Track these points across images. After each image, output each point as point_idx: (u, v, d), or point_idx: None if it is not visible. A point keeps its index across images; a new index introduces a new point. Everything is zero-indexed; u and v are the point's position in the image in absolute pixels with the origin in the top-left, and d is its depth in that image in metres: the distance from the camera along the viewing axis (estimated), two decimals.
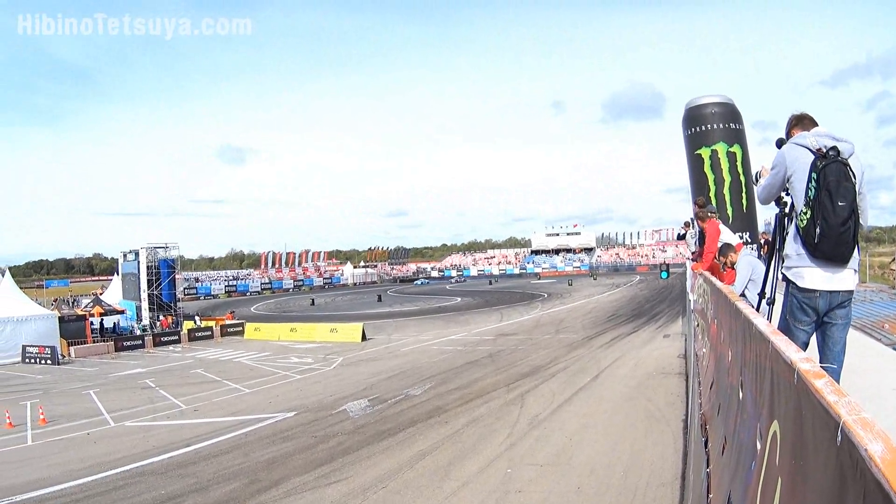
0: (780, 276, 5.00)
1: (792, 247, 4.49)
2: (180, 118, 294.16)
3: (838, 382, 1.72)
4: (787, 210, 4.86)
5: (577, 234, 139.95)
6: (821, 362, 4.37)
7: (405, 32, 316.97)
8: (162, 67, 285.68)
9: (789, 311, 4.52)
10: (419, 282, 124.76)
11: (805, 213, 4.26)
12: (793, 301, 4.49)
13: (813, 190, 4.20)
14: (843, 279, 4.31)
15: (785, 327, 4.50)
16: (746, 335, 3.12)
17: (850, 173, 4.18)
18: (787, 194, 4.74)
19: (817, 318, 4.41)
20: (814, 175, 4.22)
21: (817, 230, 4.17)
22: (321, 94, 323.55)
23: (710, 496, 3.85)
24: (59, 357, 38.19)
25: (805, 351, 4.16)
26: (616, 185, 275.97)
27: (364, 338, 39.19)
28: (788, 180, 4.56)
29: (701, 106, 20.18)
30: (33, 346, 38.83)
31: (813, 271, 4.34)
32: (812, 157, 4.30)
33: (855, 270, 4.35)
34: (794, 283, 4.47)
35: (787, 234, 4.68)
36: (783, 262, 4.68)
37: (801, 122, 4.74)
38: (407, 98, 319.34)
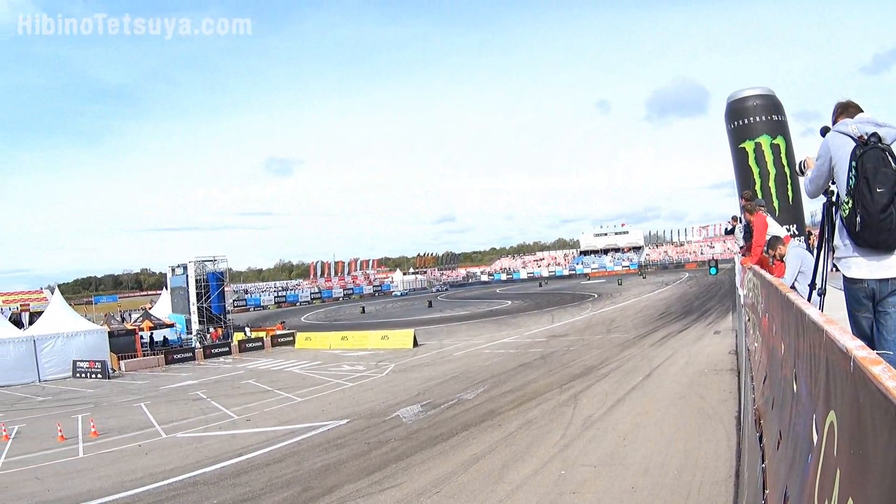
0: (830, 267, 4.92)
1: (838, 238, 4.42)
2: (225, 133, 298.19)
3: None
4: (833, 199, 4.78)
5: (624, 233, 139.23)
6: (875, 350, 4.28)
7: (448, 39, 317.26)
8: (204, 83, 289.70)
9: (848, 301, 4.44)
10: (397, 293, 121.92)
11: (847, 203, 4.19)
12: (848, 292, 4.42)
13: (853, 178, 4.13)
14: (891, 266, 4.20)
15: (850, 317, 4.43)
16: (799, 326, 3.06)
17: (890, 159, 4.08)
18: (833, 184, 4.66)
19: (872, 305, 4.31)
20: (853, 163, 4.15)
21: (858, 219, 4.09)
22: (365, 102, 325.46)
23: (767, 492, 3.78)
24: (110, 371, 38.79)
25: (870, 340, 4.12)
26: (663, 183, 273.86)
27: (416, 344, 39.27)
28: (833, 170, 4.49)
29: (742, 99, 19.98)
30: (83, 360, 39.49)
31: (858, 261, 4.25)
32: (854, 144, 4.23)
33: None
34: (843, 275, 4.40)
35: (836, 224, 4.60)
36: (833, 252, 4.60)
37: (847, 109, 4.64)
38: (451, 103, 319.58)
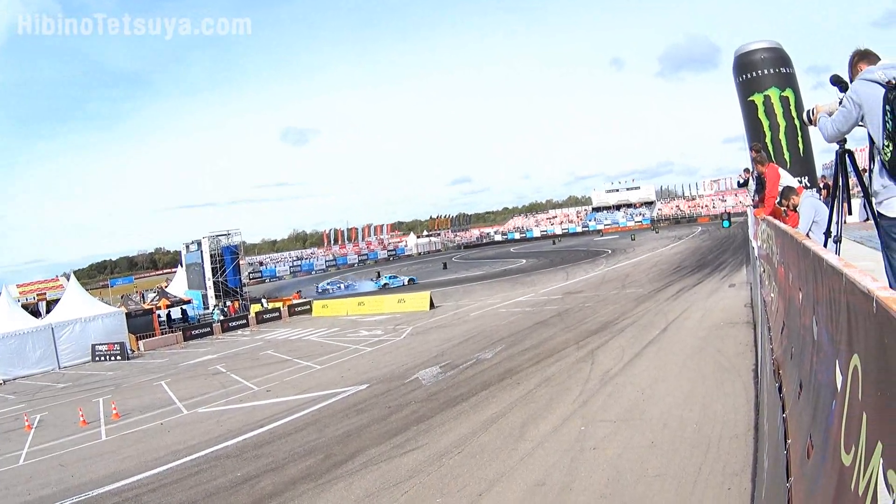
0: (844, 216, 4.89)
1: (878, 181, 4.39)
2: (240, 107, 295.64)
3: None
4: (846, 147, 4.76)
5: (636, 188, 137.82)
6: None
7: None
8: (214, 59, 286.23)
9: (885, 241, 4.43)
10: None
11: (888, 147, 4.17)
12: (886, 232, 4.40)
13: (891, 122, 4.11)
14: None
15: (886, 259, 4.41)
16: (817, 272, 3.03)
17: None
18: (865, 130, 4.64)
19: None
20: (888, 107, 4.12)
21: None
22: (379, 67, 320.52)
23: (789, 441, 3.78)
24: (129, 352, 39.00)
25: None
26: (676, 138, 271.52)
27: (432, 306, 39.45)
28: (862, 118, 4.46)
29: (750, 52, 19.84)
30: (102, 343, 39.63)
31: None
32: (882, 90, 4.20)
33: None
34: (885, 216, 4.38)
35: (871, 172, 4.58)
36: (874, 197, 4.57)
37: (867, 57, 4.62)
38: (465, 64, 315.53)
